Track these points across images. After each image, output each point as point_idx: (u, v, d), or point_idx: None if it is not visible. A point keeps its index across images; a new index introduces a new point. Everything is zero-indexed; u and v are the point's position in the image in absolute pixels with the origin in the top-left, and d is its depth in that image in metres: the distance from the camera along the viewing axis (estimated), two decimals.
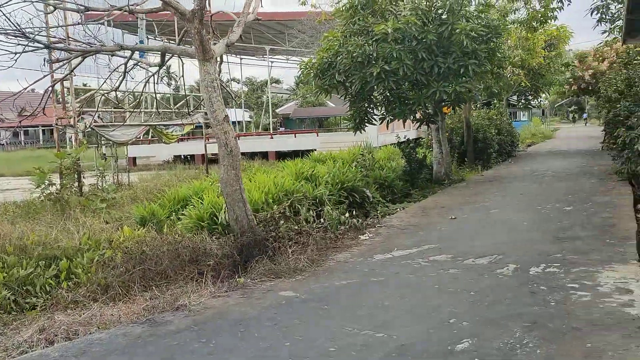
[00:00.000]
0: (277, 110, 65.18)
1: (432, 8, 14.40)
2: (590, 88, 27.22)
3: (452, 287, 6.50)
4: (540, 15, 19.14)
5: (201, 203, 10.29)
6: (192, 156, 34.38)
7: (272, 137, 35.98)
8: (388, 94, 15.02)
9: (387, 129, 16.65)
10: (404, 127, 26.87)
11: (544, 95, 28.09)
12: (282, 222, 9.48)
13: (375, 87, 14.27)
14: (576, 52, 29.59)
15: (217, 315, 6.03)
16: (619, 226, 9.31)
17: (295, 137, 36.10)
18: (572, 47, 30.30)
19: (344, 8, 15.25)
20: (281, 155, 33.86)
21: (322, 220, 10.07)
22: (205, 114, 26.49)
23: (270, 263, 7.72)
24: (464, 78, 14.15)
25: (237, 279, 7.24)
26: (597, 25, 17.30)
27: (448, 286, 6.53)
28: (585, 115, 78.35)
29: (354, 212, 11.06)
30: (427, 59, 13.89)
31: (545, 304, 5.77)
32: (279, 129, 59.06)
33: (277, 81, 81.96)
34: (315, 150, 31.41)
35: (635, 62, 20.75)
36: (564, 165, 19.74)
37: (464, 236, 9.19)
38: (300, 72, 15.66)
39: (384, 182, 14.37)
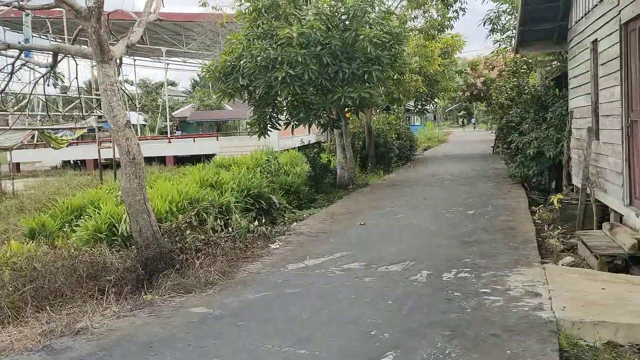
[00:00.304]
0: (173, 114, 63.44)
1: (336, 13, 14.43)
2: (482, 95, 28.63)
3: (369, 296, 6.42)
4: (437, 24, 19.85)
5: (98, 213, 9.65)
6: (83, 161, 32.63)
7: (170, 142, 34.91)
8: (293, 98, 14.90)
9: (292, 133, 16.53)
10: (308, 132, 26.90)
11: (438, 100, 29.09)
12: (188, 232, 9.09)
13: (280, 91, 14.09)
14: (469, 60, 31.04)
15: (124, 338, 5.58)
16: (519, 229, 9.68)
17: (194, 141, 35.21)
18: (465, 55, 31.73)
19: (247, 11, 14.98)
20: (180, 161, 32.89)
21: (230, 229, 9.76)
22: (99, 117, 25.19)
23: (179, 277, 7.32)
24: (367, 83, 14.29)
25: (143, 296, 6.79)
26: (490, 35, 18.14)
27: (365, 295, 6.44)
28: (473, 120, 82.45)
29: (262, 219, 10.81)
30: (331, 64, 13.90)
31: (462, 310, 5.81)
32: (175, 132, 57.45)
33: (173, 84, 79.90)
34: (216, 155, 30.81)
35: (522, 70, 21.98)
36: (461, 168, 20.51)
37: (374, 242, 9.19)
38: (201, 75, 15.16)
39: (289, 188, 14.22)
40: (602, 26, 9.59)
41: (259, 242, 9.53)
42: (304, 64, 13.48)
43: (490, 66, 28.80)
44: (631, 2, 7.98)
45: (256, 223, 10.11)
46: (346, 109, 16.17)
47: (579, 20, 11.51)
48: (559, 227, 10.34)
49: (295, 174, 15.93)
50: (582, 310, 5.66)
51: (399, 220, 11.06)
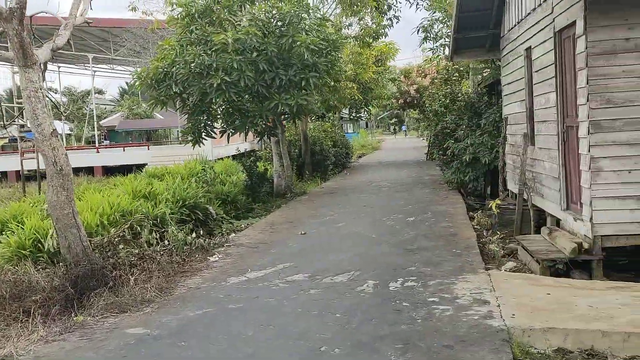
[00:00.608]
0: (101, 123, 61.43)
1: (272, 19, 14.21)
2: (415, 102, 29.07)
3: (316, 309, 6.18)
4: (372, 31, 19.96)
5: (21, 228, 9.01)
6: (5, 173, 30.98)
7: (98, 151, 33.66)
8: (228, 106, 14.54)
9: (228, 141, 16.15)
10: (245, 139, 26.51)
11: (371, 108, 29.33)
12: (121, 246, 8.61)
13: (215, 98, 13.72)
14: (401, 68, 31.52)
15: None
16: (461, 235, 9.70)
17: (124, 150, 34.09)
18: (398, 63, 32.21)
19: (179, 16, 14.53)
20: (109, 171, 31.76)
21: (166, 242, 9.31)
22: (21, 126, 23.91)
23: (112, 295, 6.85)
24: (305, 90, 14.11)
25: (74, 318, 6.29)
26: (423, 43, 18.38)
27: (312, 309, 6.20)
28: (404, 127, 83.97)
29: (200, 230, 10.40)
30: (268, 70, 13.64)
31: (412, 321, 5.66)
32: (103, 142, 55.65)
33: (101, 92, 77.46)
34: (147, 164, 29.91)
35: (454, 78, 22.39)
36: (397, 175, 20.65)
37: (317, 252, 8.98)
38: (131, 83, 14.57)
39: (226, 198, 13.85)
40: (536, 34, 9.77)
41: (197, 255, 9.14)
42: (239, 70, 13.17)
43: (423, 74, 29.32)
44: (565, 10, 8.13)
45: (193, 235, 9.69)
46: (283, 117, 15.93)
47: (512, 28, 11.74)
48: (498, 232, 10.45)
49: (231, 183, 15.56)
50: (530, 316, 5.62)
51: (340, 228, 10.90)
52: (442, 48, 18.55)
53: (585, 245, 7.46)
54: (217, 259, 8.90)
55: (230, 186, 14.70)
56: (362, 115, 28.33)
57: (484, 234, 10.64)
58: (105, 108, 72.06)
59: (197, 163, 22.75)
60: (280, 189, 16.95)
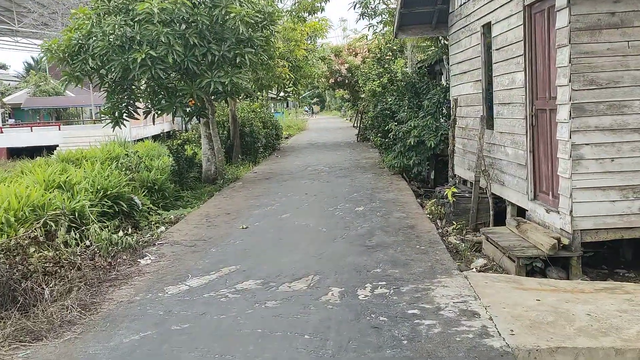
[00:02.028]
0: (4, 100, 57.03)
1: None
2: (346, 82, 28.21)
3: (280, 329, 5.15)
4: (309, 5, 18.81)
5: None
6: None
7: (2, 131, 30.86)
8: (154, 84, 13.10)
9: (153, 121, 14.67)
10: (173, 120, 24.85)
11: (300, 87, 28.25)
12: (33, 250, 7.21)
13: (138, 75, 12.28)
14: (333, 46, 30.50)
15: None
16: (419, 228, 8.92)
17: (32, 130, 31.44)
18: (327, 41, 31.19)
19: None
20: (15, 153, 29.23)
21: (87, 242, 7.99)
22: None
23: (23, 317, 5.56)
24: (239, 68, 12.90)
25: None
26: (360, 19, 17.44)
27: (275, 329, 5.17)
28: (307, 109, 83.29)
29: (128, 228, 9.11)
30: (199, 45, 12.34)
31: (397, 343, 4.75)
32: (8, 121, 51.74)
33: (4, 66, 72.19)
34: (59, 146, 27.67)
35: (387, 57, 21.67)
36: (333, 158, 19.72)
37: (265, 251, 7.92)
38: (40, 56, 12.81)
39: (152, 186, 12.48)
40: (497, 8, 9.05)
41: (125, 257, 7.86)
42: (167, 44, 11.81)
43: (354, 53, 28.47)
44: None
45: (120, 233, 8.39)
46: (214, 96, 14.64)
47: (464, 3, 11.01)
48: (454, 222, 9.79)
49: (157, 168, 14.15)
50: (531, 333, 4.86)
51: (285, 221, 9.86)
52: (379, 25, 17.70)
53: (565, 241, 6.81)
54: (149, 261, 7.67)
55: (157, 172, 13.31)
56: (290, 94, 27.18)
57: (438, 223, 9.96)
58: (9, 84, 67.13)
59: (116, 146, 21.05)
60: (210, 174, 15.69)
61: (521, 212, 8.60)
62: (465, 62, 11.24)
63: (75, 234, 7.93)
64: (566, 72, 6.70)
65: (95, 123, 35.48)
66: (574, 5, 6.57)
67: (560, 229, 6.99)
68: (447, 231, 9.45)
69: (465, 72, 11.28)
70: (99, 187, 10.38)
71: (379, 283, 6.29)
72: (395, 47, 22.54)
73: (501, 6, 8.86)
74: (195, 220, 10.38)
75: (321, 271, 6.81)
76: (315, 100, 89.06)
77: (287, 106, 75.16)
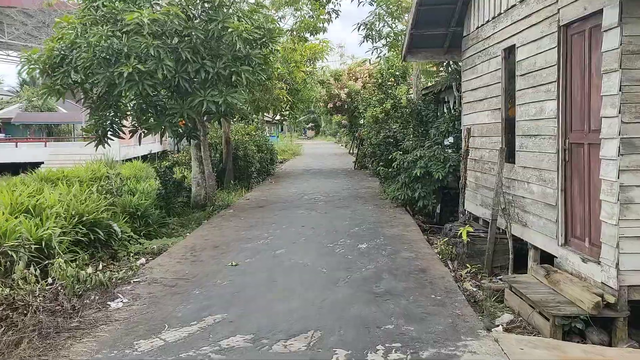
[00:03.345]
0: None
1: (198, 0, 11.93)
2: (345, 107, 27.32)
3: None
4: (311, 25, 17.94)
5: None
6: None
7: None
8: (142, 101, 12.10)
9: (139, 141, 13.66)
10: (161, 140, 23.83)
11: (296, 111, 27.34)
12: None
13: (125, 91, 11.28)
14: (332, 69, 29.63)
15: None
16: (432, 272, 7.88)
17: (16, 146, 30.32)
18: (329, 64, 30.33)
19: None
20: None
21: (51, 278, 6.90)
22: None
23: None
24: (234, 87, 11.93)
25: None
26: (364, 41, 16.58)
27: None
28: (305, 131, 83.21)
29: (99, 264, 8.02)
30: (192, 60, 11.39)
31: None
32: None
33: None
34: (44, 163, 26.58)
35: (389, 83, 20.83)
36: (330, 187, 18.70)
37: (257, 296, 6.83)
38: (21, 67, 11.81)
39: (135, 212, 11.40)
40: (524, 29, 8.14)
41: (93, 297, 6.77)
42: (157, 58, 10.86)
43: (354, 77, 27.62)
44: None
45: (89, 270, 7.29)
46: (207, 117, 13.66)
47: (481, 25, 10.12)
48: (467, 264, 8.78)
49: (142, 192, 13.08)
50: None
51: (280, 258, 8.79)
52: (383, 48, 16.85)
53: (610, 299, 5.80)
54: (120, 304, 6.57)
55: (141, 197, 12.24)
56: (287, 118, 26.24)
57: (449, 265, 8.93)
58: (2, 99, 66.08)
59: (102, 165, 19.99)
60: (200, 199, 14.65)
61: (545, 257, 7.61)
62: (481, 89, 10.32)
63: (35, 269, 6.81)
64: (615, 102, 5.75)
65: (84, 140, 34.41)
66: (627, 24, 5.65)
67: (602, 283, 5.97)
68: (461, 275, 8.42)
69: (480, 100, 10.35)
70: (73, 212, 9.32)
71: (393, 345, 5.22)
72: (397, 73, 21.75)
73: (529, 27, 7.96)
74: (180, 253, 9.29)
75: (323, 325, 5.74)
76: (310, 125, 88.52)
77: (282, 130, 74.36)
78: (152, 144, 32.77)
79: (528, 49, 8.01)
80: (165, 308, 6.39)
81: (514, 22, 8.54)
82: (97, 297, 6.77)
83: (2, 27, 28.77)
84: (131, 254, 9.52)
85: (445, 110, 14.69)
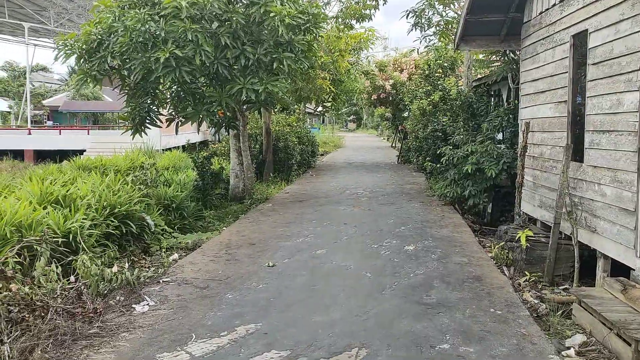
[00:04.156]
0: (44, 102, 56.94)
1: None
2: (390, 98, 26.45)
3: None
4: (358, 12, 17.14)
5: None
6: None
7: (30, 133, 29.92)
8: (179, 88, 11.59)
9: (176, 130, 13.22)
10: (197, 130, 23.50)
11: (340, 103, 26.60)
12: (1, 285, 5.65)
13: (162, 77, 10.78)
14: (377, 60, 28.75)
15: None
16: (488, 280, 7.12)
17: (60, 134, 30.47)
18: (375, 55, 29.45)
19: None
20: (42, 156, 28.27)
21: (73, 277, 6.41)
22: None
23: None
24: (276, 74, 11.31)
25: None
26: (412, 30, 15.72)
27: None
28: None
29: (132, 250, 7.51)
30: (232, 46, 10.80)
31: None
32: (46, 123, 51.48)
33: (44, 68, 72.60)
34: (86, 151, 26.60)
35: (436, 74, 19.93)
36: (373, 181, 17.95)
37: (294, 303, 6.19)
38: (57, 52, 11.42)
39: (170, 204, 10.92)
40: (599, 12, 7.26)
41: (118, 298, 6.25)
42: (195, 43, 10.30)
43: (399, 68, 26.70)
44: None
45: (114, 269, 6.77)
46: (246, 105, 13.08)
47: (547, 9, 9.22)
48: (526, 272, 7.97)
49: (178, 183, 12.61)
50: None
51: (321, 259, 8.13)
52: (433, 37, 15.97)
53: None
54: (146, 308, 6.02)
55: (177, 187, 11.75)
56: (330, 109, 25.49)
57: (505, 271, 8.14)
58: (51, 87, 67.34)
59: (141, 154, 19.73)
60: (237, 191, 14.12)
61: (618, 267, 6.78)
62: (543, 80, 9.43)
63: (57, 267, 6.32)
64: None
65: (126, 130, 34.47)
66: None
67: None
68: (520, 284, 7.62)
69: (542, 92, 9.47)
70: (105, 204, 8.85)
71: None
72: (446, 64, 20.82)
73: (606, 10, 7.07)
74: (214, 250, 8.73)
75: (368, 342, 5.06)
76: (352, 117, 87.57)
77: (323, 122, 73.68)
78: (192, 134, 32.56)
79: (604, 34, 7.12)
80: (194, 314, 5.81)
81: (587, 5, 7.65)
82: (123, 299, 6.24)
83: (48, 13, 28.87)
84: (163, 249, 9.02)
85: (502, 103, 13.76)
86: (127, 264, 7.27)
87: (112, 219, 8.69)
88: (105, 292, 6.38)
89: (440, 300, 6.26)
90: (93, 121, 55.94)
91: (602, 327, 5.64)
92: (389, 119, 33.21)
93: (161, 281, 6.96)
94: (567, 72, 8.39)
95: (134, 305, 6.02)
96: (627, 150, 6.49)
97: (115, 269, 6.72)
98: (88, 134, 30.42)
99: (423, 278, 7.12)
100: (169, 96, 12.25)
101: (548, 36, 9.16)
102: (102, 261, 6.87)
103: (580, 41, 8.04)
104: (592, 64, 7.45)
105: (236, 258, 8.16)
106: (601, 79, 7.19)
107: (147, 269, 7.69)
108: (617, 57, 6.76)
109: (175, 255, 8.75)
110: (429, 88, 18.23)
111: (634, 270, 6.32)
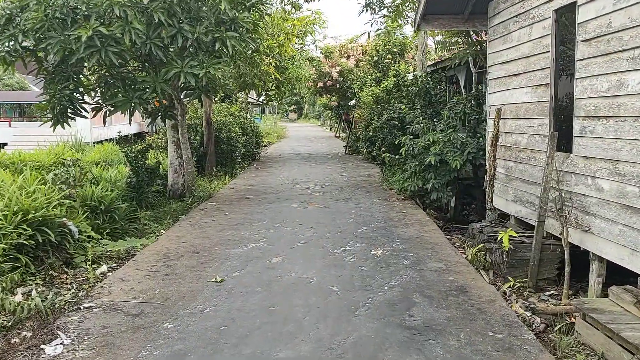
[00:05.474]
0: None
1: None
2: (337, 86, 25.29)
3: None
4: None
5: None
6: None
7: None
8: (106, 72, 10.12)
9: (104, 121, 11.69)
10: (129, 121, 21.79)
11: (285, 91, 25.28)
12: None
13: (85, 59, 9.32)
14: (322, 46, 27.53)
15: None
16: (474, 292, 6.13)
17: None
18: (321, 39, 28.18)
19: None
20: None
21: None
22: None
23: None
24: (219, 57, 10.01)
25: None
26: (363, 11, 14.62)
27: None
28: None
29: (49, 259, 6.15)
30: (167, 24, 9.43)
31: None
32: None
33: None
34: (7, 145, 24.44)
35: (386, 60, 19.02)
36: (324, 174, 16.82)
37: (250, 333, 4.99)
38: None
39: (98, 205, 9.49)
40: None
41: (24, 335, 4.91)
42: (123, 20, 8.90)
43: (346, 55, 25.59)
44: None
45: (18, 296, 5.40)
46: (185, 92, 11.70)
47: None
48: (509, 277, 7.07)
49: (108, 181, 11.15)
50: None
51: (277, 270, 6.94)
52: (386, 20, 14.94)
53: None
54: (59, 349, 4.69)
55: (107, 186, 10.31)
56: (273, 98, 24.18)
57: (483, 276, 7.22)
58: None
59: (68, 148, 18.01)
60: (177, 188, 12.75)
61: (613, 270, 5.98)
62: (516, 62, 8.54)
63: None
64: None
65: (38, 120, 32.17)
66: None
67: None
68: (505, 292, 6.70)
69: (516, 75, 8.57)
70: (17, 209, 7.42)
71: None
72: (395, 50, 19.91)
73: None
74: (150, 261, 7.40)
75: None
76: (292, 107, 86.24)
77: (263, 112, 72.04)
78: (125, 125, 30.64)
79: (598, 5, 6.22)
80: (123, 356, 4.53)
81: None
82: (31, 334, 4.90)
83: None
84: (89, 260, 7.66)
85: (460, 90, 12.89)
86: (35, 288, 5.89)
87: (25, 227, 7.27)
88: (10, 324, 5.02)
89: (426, 321, 5.21)
90: (19, 113, 52.57)
91: (621, 350, 4.72)
92: (333, 108, 32.18)
93: (82, 307, 5.62)
94: (548, 51, 7.50)
95: (43, 346, 4.69)
96: (631, 138, 5.61)
97: (18, 297, 5.35)
98: (9, 126, 28.04)
99: (400, 292, 6.06)
100: (94, 81, 10.75)
101: (523, 12, 8.26)
102: (2, 286, 5.49)
103: (566, 16, 7.15)
104: (583, 41, 6.54)
105: (176, 272, 6.87)
106: (595, 57, 6.29)
107: (69, 287, 6.34)
108: (617, 32, 5.86)
109: (104, 268, 7.43)
110: (378, 75, 17.26)
111: None
